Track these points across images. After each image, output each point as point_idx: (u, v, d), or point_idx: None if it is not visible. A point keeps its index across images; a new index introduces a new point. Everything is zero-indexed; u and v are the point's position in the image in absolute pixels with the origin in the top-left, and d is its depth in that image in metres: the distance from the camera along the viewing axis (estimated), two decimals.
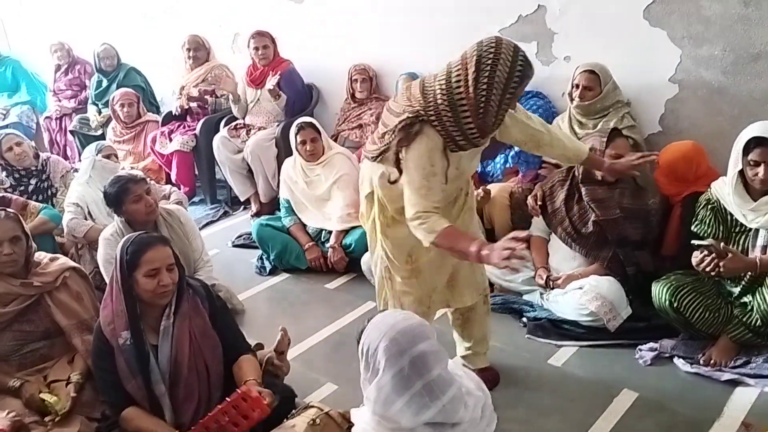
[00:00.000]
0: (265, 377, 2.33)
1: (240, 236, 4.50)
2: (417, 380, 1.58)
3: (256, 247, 4.13)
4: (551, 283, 3.17)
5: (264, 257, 4.05)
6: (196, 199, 5.33)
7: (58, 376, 2.51)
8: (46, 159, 4.25)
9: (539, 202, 3.28)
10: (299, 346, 3.10)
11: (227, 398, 2.08)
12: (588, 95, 3.48)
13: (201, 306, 2.31)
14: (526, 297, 3.30)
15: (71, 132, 6.00)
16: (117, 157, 4.14)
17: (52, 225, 3.67)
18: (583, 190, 3.14)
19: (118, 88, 5.60)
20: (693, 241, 2.59)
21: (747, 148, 2.56)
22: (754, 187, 2.61)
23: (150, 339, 2.23)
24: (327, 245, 3.86)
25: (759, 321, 2.59)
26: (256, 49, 4.80)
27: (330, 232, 3.87)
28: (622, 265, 3.06)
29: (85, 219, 3.65)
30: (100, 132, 5.79)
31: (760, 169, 2.54)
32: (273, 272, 3.96)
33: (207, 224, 4.85)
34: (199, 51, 5.25)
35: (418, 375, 1.58)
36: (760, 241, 2.67)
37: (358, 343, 1.69)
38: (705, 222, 2.78)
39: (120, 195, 3.05)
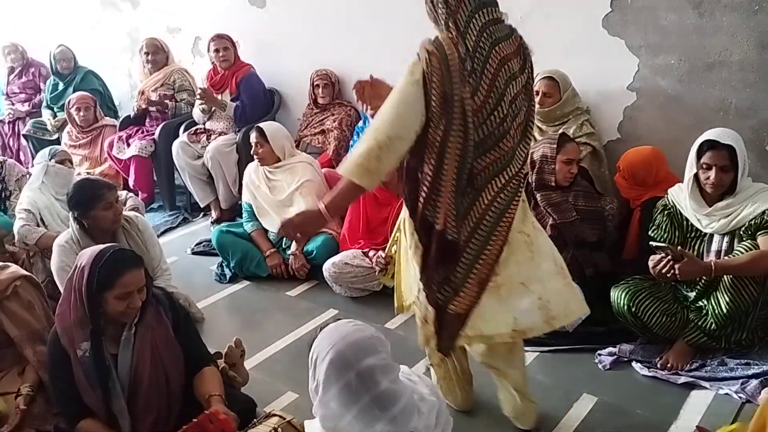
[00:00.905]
0: (227, 389, 2.29)
1: (199, 243, 4.43)
2: (364, 394, 1.57)
3: (216, 254, 4.08)
4: None
5: (224, 264, 3.98)
6: (154, 205, 5.24)
7: (7, 388, 2.42)
8: (2, 162, 4.11)
9: None
10: (260, 354, 3.06)
11: (194, 419, 2.01)
12: (547, 102, 3.52)
13: (164, 316, 2.26)
14: None
15: (25, 136, 5.82)
16: (71, 163, 4.03)
17: (2, 232, 3.57)
18: (537, 196, 3.18)
19: (74, 91, 5.47)
20: (651, 243, 2.64)
21: (700, 153, 2.64)
22: (707, 191, 2.67)
23: (110, 348, 2.18)
24: (288, 252, 3.82)
25: (713, 325, 2.65)
26: (217, 51, 4.75)
27: (291, 240, 3.83)
28: (580, 267, 3.10)
29: (37, 226, 3.54)
30: (55, 136, 5.65)
31: (711, 173, 2.61)
32: (233, 280, 3.90)
33: (166, 231, 4.76)
34: (157, 55, 5.17)
35: (365, 389, 1.58)
36: (714, 246, 2.73)
37: (309, 350, 1.68)
38: (661, 227, 2.84)
39: (91, 200, 2.97)
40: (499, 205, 2.08)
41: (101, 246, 2.23)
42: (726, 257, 2.63)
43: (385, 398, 1.58)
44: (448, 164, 2.00)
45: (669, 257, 2.54)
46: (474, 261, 2.09)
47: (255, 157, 3.94)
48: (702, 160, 2.63)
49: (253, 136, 3.92)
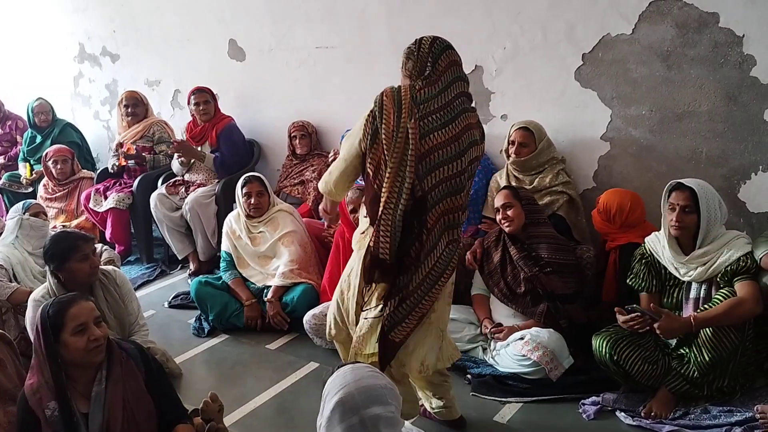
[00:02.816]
0: None
1: (177, 296, 4.35)
2: None
3: (194, 308, 4.01)
4: (493, 332, 3.19)
5: (202, 318, 3.92)
6: (131, 258, 5.17)
7: None
8: None
9: (478, 258, 3.35)
10: (240, 410, 2.99)
11: None
12: (523, 152, 3.57)
13: (136, 369, 2.22)
14: (469, 354, 3.29)
15: None
16: (46, 215, 3.98)
17: None
18: (511, 249, 3.21)
19: (52, 144, 5.46)
20: (625, 307, 2.68)
21: (668, 196, 2.74)
22: (671, 233, 2.72)
23: (80, 407, 2.13)
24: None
25: (696, 372, 2.65)
26: (197, 105, 4.77)
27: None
28: (555, 319, 3.11)
29: (10, 281, 3.47)
30: (30, 190, 5.60)
31: (674, 214, 2.67)
32: (211, 333, 3.83)
33: (143, 284, 4.69)
34: (137, 107, 5.18)
35: None
36: (693, 294, 2.76)
37: (323, 385, 1.71)
38: (639, 276, 2.88)
39: (67, 252, 2.94)
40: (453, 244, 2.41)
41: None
42: (705, 306, 2.66)
43: None
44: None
45: (643, 318, 2.61)
46: (424, 295, 2.36)
47: (248, 207, 3.88)
48: (668, 201, 2.73)
49: (251, 185, 3.88)
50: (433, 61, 2.35)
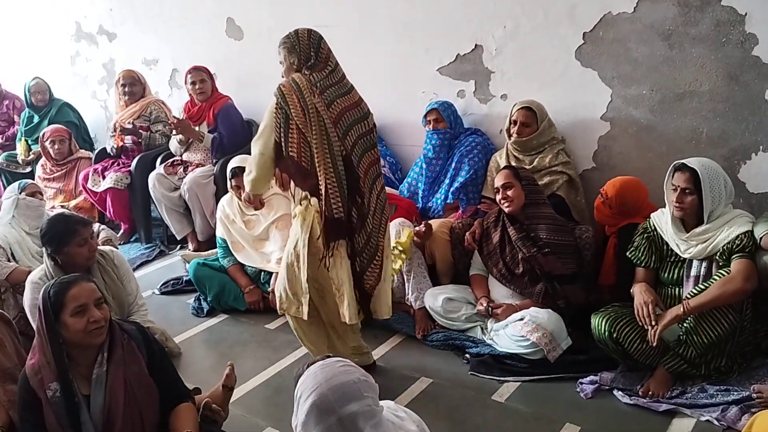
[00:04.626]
0: (203, 424, 2.24)
1: (166, 283, 4.24)
2: None
3: (185, 292, 4.01)
4: (491, 310, 3.20)
5: (201, 298, 3.93)
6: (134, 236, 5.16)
7: None
8: None
9: (476, 238, 3.35)
10: (239, 389, 2.98)
11: None
12: (525, 132, 3.56)
13: (137, 351, 2.21)
14: (467, 333, 3.30)
15: None
16: (42, 195, 3.97)
17: None
18: (510, 230, 3.20)
19: (50, 123, 5.43)
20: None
21: (671, 176, 2.74)
22: (674, 214, 2.71)
23: (81, 388, 2.12)
24: (268, 288, 3.76)
25: (694, 352, 2.66)
26: (193, 84, 4.74)
27: (270, 273, 3.78)
28: (553, 299, 3.12)
29: (8, 261, 3.47)
30: (28, 169, 5.58)
31: (675, 195, 2.67)
32: (210, 313, 3.84)
33: (142, 264, 4.69)
34: (134, 86, 5.14)
35: None
36: (693, 271, 2.77)
37: (296, 385, 1.66)
38: (639, 249, 2.89)
39: (66, 236, 2.92)
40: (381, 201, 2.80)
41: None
42: (704, 284, 2.66)
43: None
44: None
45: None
46: (377, 241, 2.75)
47: (239, 199, 3.84)
48: (671, 182, 2.73)
49: (238, 179, 3.79)
50: (315, 51, 2.66)
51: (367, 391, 1.62)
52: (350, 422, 1.55)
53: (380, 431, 1.59)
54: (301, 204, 2.74)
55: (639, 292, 2.75)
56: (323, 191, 2.59)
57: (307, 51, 2.67)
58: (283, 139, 2.58)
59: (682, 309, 2.61)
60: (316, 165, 2.58)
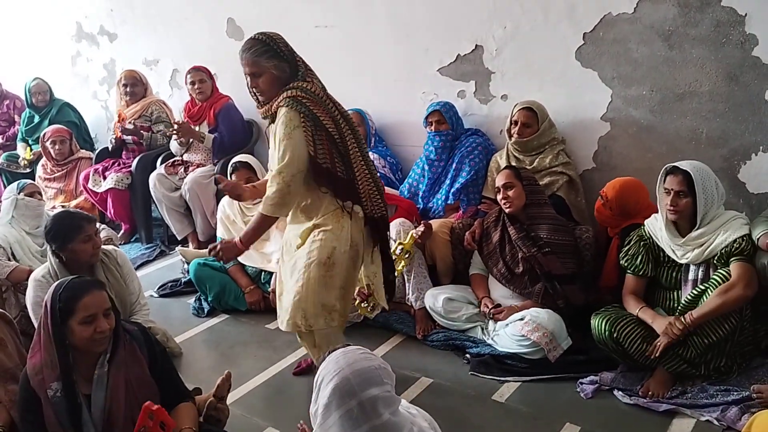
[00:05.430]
0: (205, 425, 2.25)
1: (164, 285, 4.25)
2: (364, 423, 1.59)
3: (184, 293, 4.03)
4: (492, 314, 3.20)
5: (201, 298, 3.93)
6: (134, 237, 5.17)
7: None
8: None
9: (476, 238, 3.35)
10: (239, 389, 3.00)
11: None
12: (526, 132, 3.56)
13: (139, 352, 2.21)
14: (468, 333, 3.30)
15: None
16: (41, 195, 3.97)
17: None
18: (510, 230, 3.20)
19: (50, 124, 5.44)
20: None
21: (664, 180, 2.74)
22: (668, 217, 2.71)
23: (82, 388, 2.12)
24: (269, 288, 3.77)
25: (693, 352, 2.66)
26: (193, 83, 4.75)
27: (270, 273, 3.79)
28: (552, 299, 3.12)
29: (9, 261, 3.47)
30: (29, 170, 5.58)
31: (669, 199, 2.67)
32: (211, 313, 3.85)
33: (143, 264, 4.70)
34: (136, 87, 5.15)
35: (366, 419, 1.59)
36: (690, 276, 2.77)
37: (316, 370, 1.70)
38: (634, 257, 2.88)
39: (70, 232, 2.91)
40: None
41: (63, 279, 2.20)
42: (702, 286, 2.66)
43: (385, 430, 1.59)
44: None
45: None
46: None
47: None
48: (663, 185, 2.73)
49: (239, 174, 3.87)
50: (297, 58, 2.63)
51: (386, 377, 1.66)
52: (371, 406, 1.59)
53: (399, 418, 1.63)
54: (320, 217, 2.64)
55: (653, 322, 2.73)
56: (364, 194, 2.63)
57: (293, 59, 2.61)
58: (315, 151, 2.50)
59: (684, 325, 2.61)
60: (354, 171, 2.59)
